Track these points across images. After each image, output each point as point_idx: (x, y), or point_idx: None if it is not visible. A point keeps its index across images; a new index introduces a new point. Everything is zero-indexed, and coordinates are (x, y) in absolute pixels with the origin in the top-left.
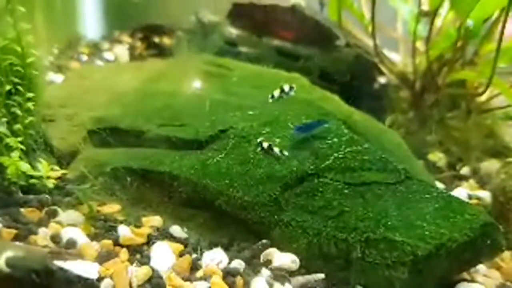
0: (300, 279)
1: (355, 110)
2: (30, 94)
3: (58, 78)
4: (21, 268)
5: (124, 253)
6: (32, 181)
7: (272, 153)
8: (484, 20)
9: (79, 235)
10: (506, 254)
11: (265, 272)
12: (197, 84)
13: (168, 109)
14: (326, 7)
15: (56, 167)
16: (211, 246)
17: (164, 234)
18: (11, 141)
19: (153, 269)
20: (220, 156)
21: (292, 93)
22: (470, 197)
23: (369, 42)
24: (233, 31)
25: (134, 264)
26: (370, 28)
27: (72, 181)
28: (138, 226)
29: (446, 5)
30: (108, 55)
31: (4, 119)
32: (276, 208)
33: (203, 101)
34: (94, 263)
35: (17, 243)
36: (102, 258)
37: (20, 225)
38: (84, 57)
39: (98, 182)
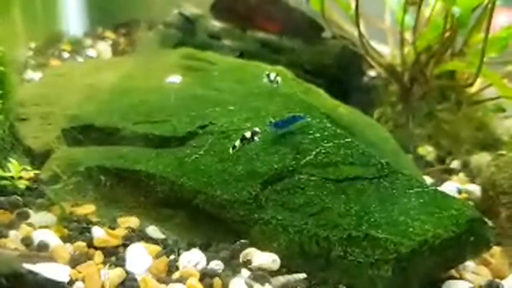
0: (281, 279)
1: (340, 103)
2: None
3: (37, 76)
4: None
5: (98, 256)
6: (2, 182)
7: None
8: (472, 9)
9: (51, 238)
10: (495, 250)
11: (244, 272)
12: (176, 79)
13: (145, 105)
14: None
15: (28, 167)
16: (189, 246)
17: (140, 235)
18: None
19: (127, 272)
20: (198, 153)
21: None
22: (459, 191)
23: (356, 34)
24: (216, 24)
25: (107, 267)
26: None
27: (45, 181)
28: (113, 227)
29: None
30: (91, 52)
31: None
32: (255, 206)
33: (182, 96)
34: (65, 266)
35: None
36: (75, 260)
37: None
38: (66, 54)
39: (72, 182)
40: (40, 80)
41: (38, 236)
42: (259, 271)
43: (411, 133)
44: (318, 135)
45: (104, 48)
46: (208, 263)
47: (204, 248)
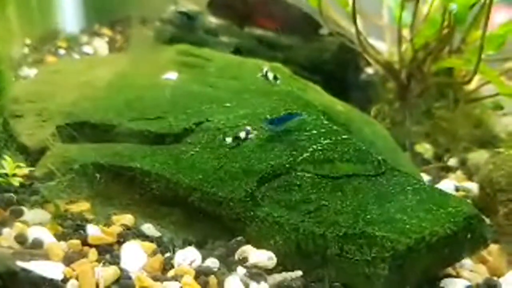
0: (277, 277)
1: (337, 100)
2: None
3: (32, 72)
4: None
5: (93, 253)
6: None
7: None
8: (470, 6)
9: (45, 235)
10: (493, 247)
11: (240, 270)
12: (172, 75)
13: (141, 102)
14: None
15: (22, 165)
16: (184, 244)
17: (135, 233)
18: None
19: (122, 270)
20: (194, 150)
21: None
22: (457, 189)
23: (353, 30)
24: (213, 21)
25: (101, 265)
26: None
27: (40, 178)
28: (108, 225)
29: None
30: (87, 49)
31: None
32: (252, 203)
33: (178, 93)
34: (59, 264)
35: None
36: (69, 258)
37: None
38: (62, 51)
39: (67, 179)
40: (35, 77)
41: (32, 233)
42: (255, 269)
43: (409, 131)
44: (315, 132)
45: (100, 45)
46: (203, 261)
47: (199, 246)
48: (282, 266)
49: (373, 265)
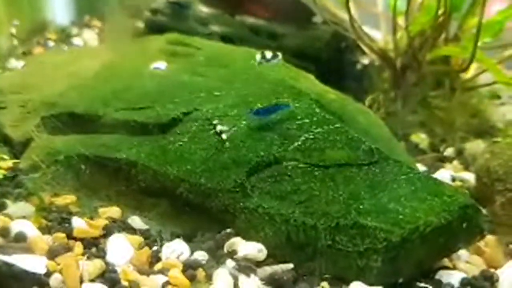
0: (267, 269)
1: (331, 89)
2: None
3: (20, 64)
4: None
5: (78, 247)
6: None
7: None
8: None
9: (29, 228)
10: (490, 238)
11: (229, 263)
12: (161, 65)
13: (128, 92)
14: None
15: (6, 157)
16: (172, 237)
17: (121, 225)
18: None
19: (107, 263)
20: (182, 140)
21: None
22: (453, 179)
23: (347, 17)
24: (204, 10)
25: (85, 258)
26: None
27: (24, 171)
28: (94, 217)
29: None
30: (77, 41)
31: None
32: (241, 194)
33: (166, 82)
34: (42, 257)
35: None
36: (54, 252)
37: None
38: (51, 43)
39: (51, 171)
40: (21, 68)
41: (16, 227)
42: (244, 261)
43: (404, 120)
44: (306, 120)
45: (90, 37)
46: (191, 254)
47: (187, 238)
48: (272, 258)
49: (366, 256)
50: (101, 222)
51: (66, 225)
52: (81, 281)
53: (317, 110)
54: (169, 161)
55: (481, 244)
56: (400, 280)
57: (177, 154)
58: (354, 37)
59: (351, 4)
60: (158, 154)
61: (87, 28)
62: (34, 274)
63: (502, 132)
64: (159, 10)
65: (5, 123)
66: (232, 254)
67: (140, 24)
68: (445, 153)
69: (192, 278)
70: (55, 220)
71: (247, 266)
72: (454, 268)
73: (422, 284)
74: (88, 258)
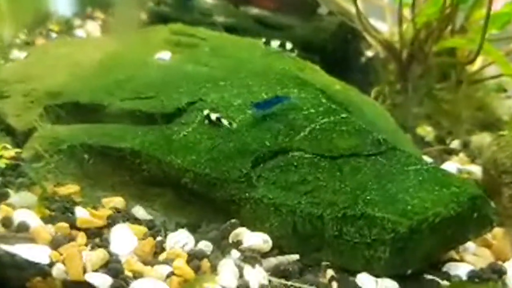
0: (273, 260)
1: (336, 80)
2: None
3: (23, 55)
4: None
5: (81, 237)
6: None
7: (221, 126)
8: None
9: (32, 218)
10: (497, 231)
11: (234, 253)
12: (165, 55)
13: (132, 81)
14: None
15: (9, 146)
16: (176, 227)
17: (125, 216)
18: None
19: (111, 253)
20: (187, 130)
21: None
22: (460, 171)
23: (352, 9)
24: (208, 0)
25: (89, 248)
26: None
27: (27, 160)
28: (98, 207)
29: None
30: (79, 32)
31: None
32: (246, 184)
33: (171, 72)
34: (45, 247)
35: None
36: (57, 242)
37: None
38: (54, 35)
39: (54, 161)
40: (25, 58)
41: (18, 216)
42: (249, 252)
43: (410, 113)
44: (312, 111)
45: (93, 28)
46: (196, 244)
47: (192, 228)
48: (278, 249)
49: (373, 247)
50: (105, 212)
51: (69, 215)
52: (84, 271)
53: (323, 100)
54: (174, 151)
55: (489, 236)
56: (408, 272)
57: (181, 144)
58: (360, 28)
59: None
60: (163, 144)
61: (90, 19)
62: (37, 264)
63: (508, 125)
64: (163, 0)
65: (8, 113)
66: (237, 244)
67: (144, 15)
68: (451, 146)
69: (197, 269)
70: (58, 210)
71: (252, 257)
72: (462, 260)
73: (429, 276)
74: (92, 248)
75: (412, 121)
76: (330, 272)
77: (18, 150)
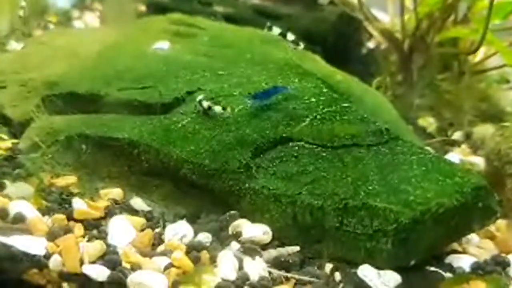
0: (273, 252)
1: (337, 70)
2: None
3: (20, 46)
4: None
5: (78, 228)
6: None
7: (213, 114)
8: None
9: (28, 209)
10: (501, 223)
11: (234, 245)
12: (164, 44)
13: (130, 71)
14: None
15: (5, 137)
16: (175, 218)
17: (123, 207)
18: None
19: (108, 245)
20: (185, 120)
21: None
22: (462, 163)
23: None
24: None
25: (86, 240)
26: None
27: (23, 151)
28: (95, 198)
29: None
30: (78, 24)
31: None
32: (246, 175)
33: (169, 62)
34: (42, 239)
35: None
36: (54, 233)
37: None
38: (51, 26)
39: (51, 151)
40: (22, 48)
41: (14, 208)
42: (249, 243)
43: (411, 104)
44: (313, 100)
45: (92, 20)
46: (195, 236)
47: (191, 220)
48: (278, 240)
49: (375, 239)
50: (102, 203)
51: (67, 206)
52: (82, 263)
53: (324, 90)
54: (172, 141)
55: (492, 228)
56: (411, 264)
57: (180, 134)
58: (361, 18)
59: None
60: (161, 134)
61: (88, 11)
62: (33, 255)
63: (511, 116)
64: None
65: (5, 103)
66: (236, 236)
67: (142, 5)
68: (453, 137)
69: (196, 260)
70: (55, 201)
71: (252, 249)
72: (465, 252)
73: (432, 268)
74: (89, 240)
75: (414, 112)
76: (331, 264)
77: (14, 140)
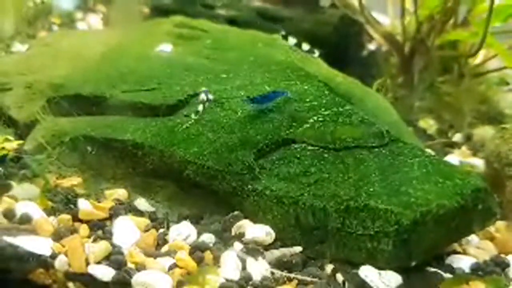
0: (275, 252)
1: (339, 72)
2: None
3: (24, 48)
4: None
5: (84, 229)
6: None
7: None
8: None
9: (34, 210)
10: (500, 224)
11: (237, 246)
12: (167, 47)
13: (134, 73)
14: None
15: (11, 138)
16: (179, 219)
17: (128, 207)
18: None
19: (113, 245)
20: (189, 122)
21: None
22: (462, 164)
23: (355, 2)
24: None
25: (91, 240)
26: None
27: (29, 152)
28: (100, 199)
29: None
30: (81, 25)
31: None
32: (249, 176)
33: (173, 65)
34: (47, 239)
35: None
36: (59, 234)
37: None
38: (55, 27)
39: (57, 153)
40: (27, 50)
41: (21, 208)
42: (252, 244)
43: (412, 106)
44: (315, 102)
45: (95, 21)
46: (198, 236)
47: (195, 220)
48: (280, 241)
49: (377, 240)
50: (107, 204)
51: (72, 207)
52: (87, 263)
53: (326, 92)
54: (176, 143)
55: (492, 229)
56: (412, 264)
57: (184, 135)
58: (362, 21)
59: None
60: (165, 135)
61: (92, 12)
62: (39, 255)
63: (511, 118)
64: None
65: (10, 105)
66: (239, 236)
67: (146, 8)
68: (453, 139)
69: (199, 261)
70: (61, 202)
71: (255, 249)
72: (465, 253)
73: (432, 269)
74: (94, 240)
75: (414, 114)
76: (333, 265)
77: (20, 142)
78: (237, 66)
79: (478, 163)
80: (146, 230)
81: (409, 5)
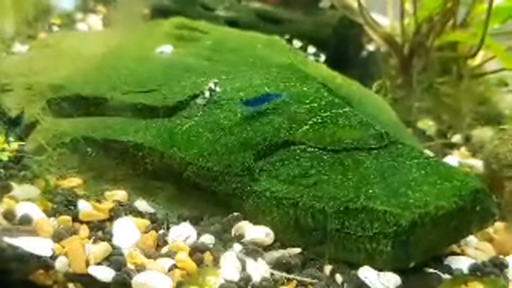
0: (275, 253)
1: (338, 74)
2: None
3: (25, 49)
4: None
5: (84, 230)
6: None
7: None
8: None
9: (34, 211)
10: (499, 225)
11: (236, 247)
12: (167, 48)
13: (134, 75)
14: None
15: (12, 139)
16: (179, 220)
17: (128, 209)
18: None
19: (113, 246)
20: (189, 123)
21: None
22: (461, 165)
23: (354, 3)
24: None
25: (91, 241)
26: None
27: (30, 153)
28: (100, 200)
29: None
30: (81, 26)
31: None
32: (248, 178)
33: (173, 66)
34: (48, 240)
35: None
36: (59, 235)
37: None
38: (56, 28)
39: (57, 154)
40: (27, 51)
41: (21, 209)
42: (252, 245)
43: (411, 107)
44: (315, 104)
45: (95, 22)
46: (198, 237)
47: (194, 222)
48: (280, 242)
49: (376, 241)
50: (108, 205)
51: (72, 208)
52: (87, 264)
53: (325, 93)
54: (176, 144)
55: (490, 230)
56: (411, 265)
57: (184, 137)
58: (361, 22)
59: None
60: (165, 137)
61: (92, 13)
62: (39, 256)
63: (509, 119)
64: None
65: (11, 106)
66: (239, 238)
67: (146, 9)
68: (452, 140)
69: (199, 262)
70: (61, 203)
71: (255, 250)
72: (463, 254)
73: (431, 270)
74: (94, 241)
75: (413, 115)
76: (332, 266)
77: (21, 143)
78: (236, 67)
79: (477, 164)
80: (146, 231)
81: (408, 6)
